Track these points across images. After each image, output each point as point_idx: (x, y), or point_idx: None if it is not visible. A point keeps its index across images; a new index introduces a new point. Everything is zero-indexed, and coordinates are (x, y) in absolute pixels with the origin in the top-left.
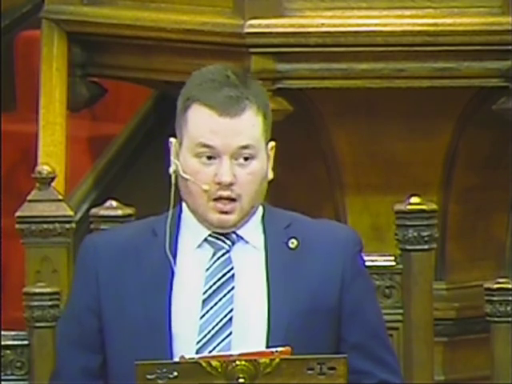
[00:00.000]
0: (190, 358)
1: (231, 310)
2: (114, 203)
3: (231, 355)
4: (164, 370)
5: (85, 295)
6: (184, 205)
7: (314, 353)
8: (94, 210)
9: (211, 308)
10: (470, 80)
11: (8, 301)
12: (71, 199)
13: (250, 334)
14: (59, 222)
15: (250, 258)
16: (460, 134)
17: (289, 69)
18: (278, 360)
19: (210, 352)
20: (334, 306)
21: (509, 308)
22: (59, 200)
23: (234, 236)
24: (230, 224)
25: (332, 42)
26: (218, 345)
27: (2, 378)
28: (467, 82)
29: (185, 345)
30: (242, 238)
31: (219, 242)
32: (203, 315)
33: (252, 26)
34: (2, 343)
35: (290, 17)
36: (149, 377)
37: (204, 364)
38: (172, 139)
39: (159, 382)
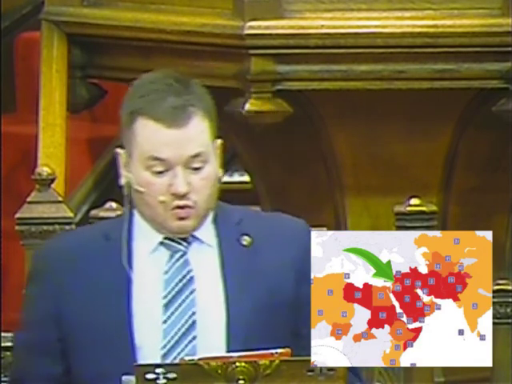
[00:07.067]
0: (189, 360)
1: (194, 313)
2: (114, 205)
3: (231, 356)
4: (163, 371)
5: (43, 304)
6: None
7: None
8: (93, 212)
9: (173, 312)
10: (469, 81)
11: (8, 302)
12: (71, 201)
13: (212, 335)
14: (59, 223)
15: (206, 258)
16: (460, 136)
17: (288, 70)
18: (277, 361)
19: (176, 357)
20: (291, 299)
21: (509, 310)
22: (59, 201)
23: (188, 236)
24: (188, 230)
25: (332, 44)
26: (183, 349)
27: (2, 379)
28: (467, 84)
29: (150, 351)
30: (196, 238)
31: (175, 244)
32: (166, 320)
33: (252, 27)
34: (2, 345)
35: (289, 18)
36: (148, 377)
37: (203, 365)
38: (119, 150)
39: (158, 382)
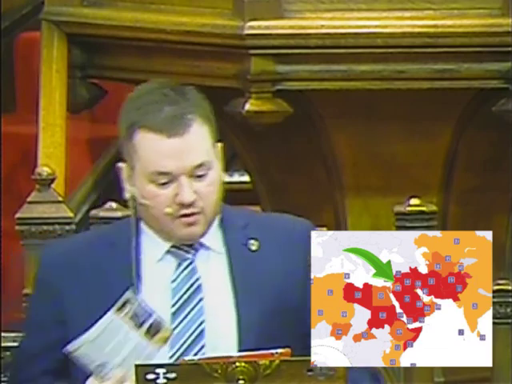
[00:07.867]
0: (189, 360)
1: (202, 322)
2: (114, 205)
3: (231, 356)
4: (163, 371)
5: (49, 308)
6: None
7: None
8: (93, 212)
9: (182, 321)
10: (469, 81)
11: (8, 302)
12: (71, 201)
13: (222, 344)
14: (59, 223)
15: (213, 265)
16: (460, 136)
17: (288, 70)
18: (277, 361)
19: None
20: (300, 301)
21: (509, 310)
22: (59, 201)
23: (195, 243)
24: (197, 235)
25: (332, 44)
26: None
27: (2, 379)
28: (467, 84)
29: (157, 360)
30: (203, 245)
31: (183, 253)
32: (174, 328)
33: (252, 27)
34: (2, 345)
35: (289, 18)
36: (148, 377)
37: (204, 365)
38: (121, 164)
39: (158, 382)
